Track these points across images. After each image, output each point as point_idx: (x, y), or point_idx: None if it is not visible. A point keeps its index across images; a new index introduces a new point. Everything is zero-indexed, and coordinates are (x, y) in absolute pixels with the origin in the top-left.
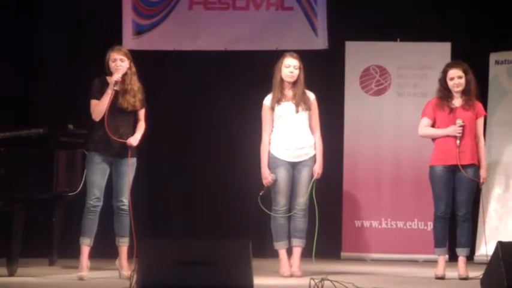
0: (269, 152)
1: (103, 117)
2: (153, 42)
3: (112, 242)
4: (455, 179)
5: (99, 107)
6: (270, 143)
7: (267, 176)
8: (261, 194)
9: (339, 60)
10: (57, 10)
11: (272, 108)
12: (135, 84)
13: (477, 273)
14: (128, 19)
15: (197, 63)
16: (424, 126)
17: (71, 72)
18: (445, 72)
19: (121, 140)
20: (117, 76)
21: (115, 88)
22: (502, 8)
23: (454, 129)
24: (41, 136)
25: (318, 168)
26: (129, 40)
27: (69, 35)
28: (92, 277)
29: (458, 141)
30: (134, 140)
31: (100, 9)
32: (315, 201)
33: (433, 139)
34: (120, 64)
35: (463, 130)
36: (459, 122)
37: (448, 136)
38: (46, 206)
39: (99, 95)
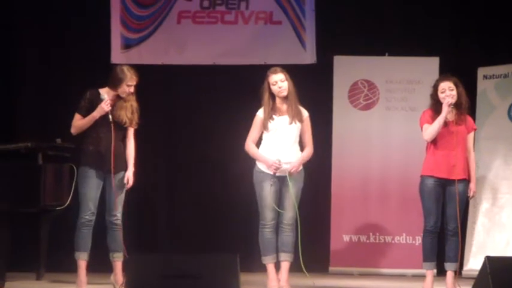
0: (256, 165)
1: (93, 133)
2: (141, 56)
3: (106, 256)
4: (446, 193)
5: (79, 124)
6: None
7: (271, 163)
8: None
9: (327, 75)
10: (44, 23)
11: (265, 127)
12: (134, 101)
13: None
14: (116, 33)
15: (185, 77)
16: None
17: (59, 86)
18: (436, 86)
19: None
20: (106, 109)
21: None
22: (490, 23)
23: (445, 104)
24: (29, 150)
25: (290, 167)
26: (118, 54)
27: (57, 48)
28: None
29: (451, 106)
30: (130, 177)
31: (88, 23)
32: (297, 214)
33: (426, 149)
34: (130, 89)
35: (457, 143)
36: (448, 100)
37: (440, 149)
38: (33, 219)
39: (84, 111)
